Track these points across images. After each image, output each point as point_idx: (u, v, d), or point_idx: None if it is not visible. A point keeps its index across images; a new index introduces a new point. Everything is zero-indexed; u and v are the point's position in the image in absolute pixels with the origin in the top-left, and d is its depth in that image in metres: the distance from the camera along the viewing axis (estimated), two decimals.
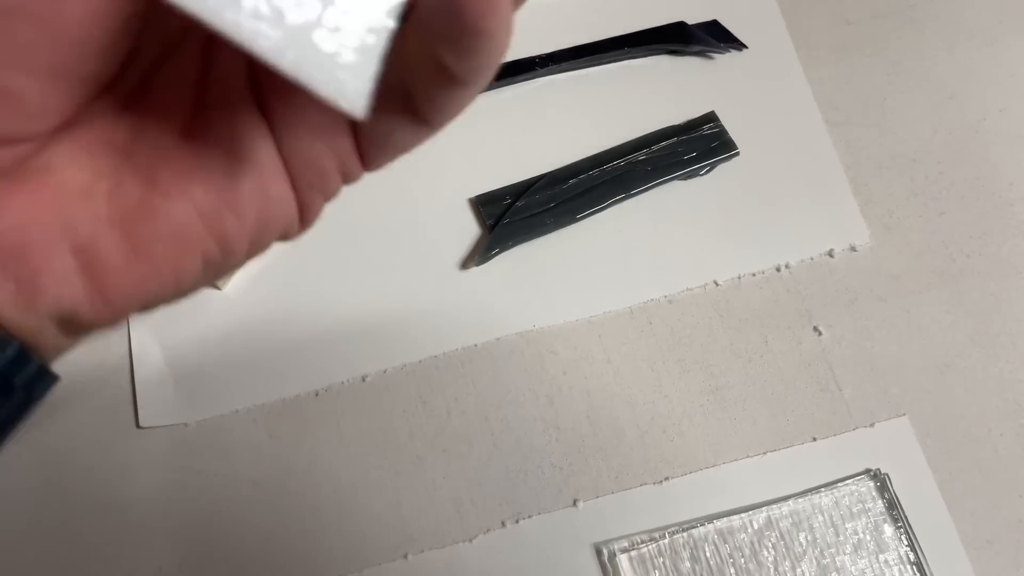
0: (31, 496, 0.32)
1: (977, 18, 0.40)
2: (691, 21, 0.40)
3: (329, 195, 0.17)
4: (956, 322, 0.35)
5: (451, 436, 0.33)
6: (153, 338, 0.34)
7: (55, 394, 0.33)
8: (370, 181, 0.37)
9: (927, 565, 0.31)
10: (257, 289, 0.35)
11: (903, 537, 0.31)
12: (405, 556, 0.31)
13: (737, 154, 0.37)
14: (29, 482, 0.32)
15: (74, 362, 0.33)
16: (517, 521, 0.32)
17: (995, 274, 0.36)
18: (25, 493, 0.32)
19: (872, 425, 0.33)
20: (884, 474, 0.32)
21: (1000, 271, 0.36)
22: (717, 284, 0.36)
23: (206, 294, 0.35)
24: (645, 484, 0.32)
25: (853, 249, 0.36)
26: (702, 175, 0.37)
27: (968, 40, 0.40)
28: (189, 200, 0.14)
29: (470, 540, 0.32)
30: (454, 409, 0.33)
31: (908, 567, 0.31)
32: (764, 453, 0.33)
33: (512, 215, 0.36)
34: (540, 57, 0.39)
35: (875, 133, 0.38)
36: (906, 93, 0.39)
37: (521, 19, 0.39)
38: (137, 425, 0.33)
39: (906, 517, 0.31)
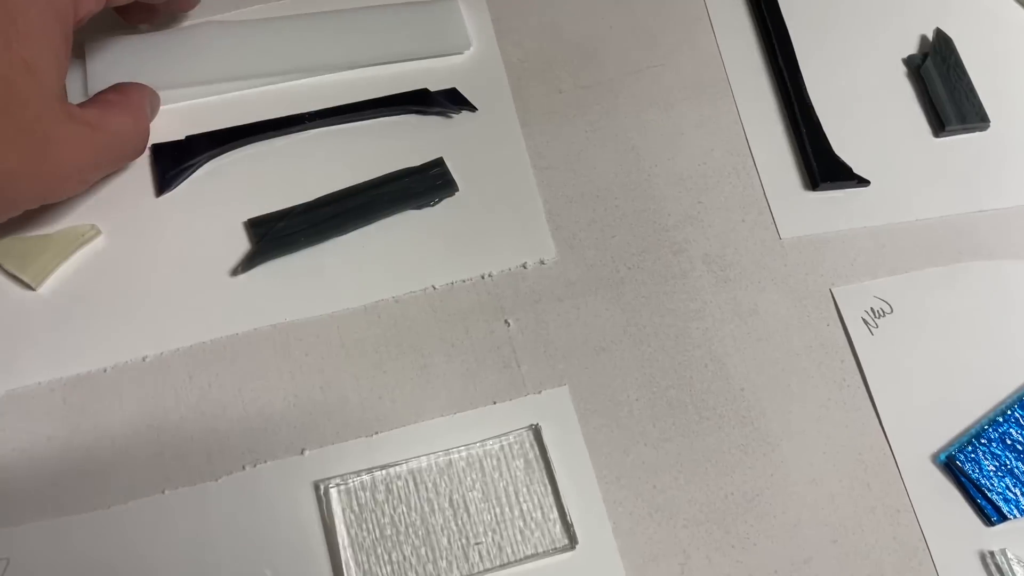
0: None
1: (660, 89, 0.53)
2: (435, 89, 0.51)
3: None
4: (614, 317, 0.46)
5: (210, 402, 0.42)
6: None
7: None
8: (164, 207, 0.47)
9: (563, 493, 0.41)
10: (69, 287, 0.44)
11: (547, 471, 0.41)
12: (162, 491, 0.40)
13: (458, 190, 0.48)
14: None
15: None
16: (255, 465, 0.41)
17: (648, 282, 0.47)
18: None
19: (539, 392, 0.44)
20: (538, 426, 0.42)
21: (652, 279, 0.47)
22: (435, 288, 0.46)
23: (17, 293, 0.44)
24: (360, 437, 0.42)
25: (542, 263, 0.47)
26: (431, 206, 0.48)
27: (651, 106, 0.52)
28: None
29: (216, 479, 0.41)
30: (214, 383, 0.43)
31: (549, 494, 0.41)
32: (455, 413, 0.43)
33: (275, 233, 0.46)
34: (310, 113, 0.49)
35: (570, 176, 0.50)
36: (599, 146, 0.51)
37: (299, 86, 0.50)
38: None
39: (550, 459, 0.41)
